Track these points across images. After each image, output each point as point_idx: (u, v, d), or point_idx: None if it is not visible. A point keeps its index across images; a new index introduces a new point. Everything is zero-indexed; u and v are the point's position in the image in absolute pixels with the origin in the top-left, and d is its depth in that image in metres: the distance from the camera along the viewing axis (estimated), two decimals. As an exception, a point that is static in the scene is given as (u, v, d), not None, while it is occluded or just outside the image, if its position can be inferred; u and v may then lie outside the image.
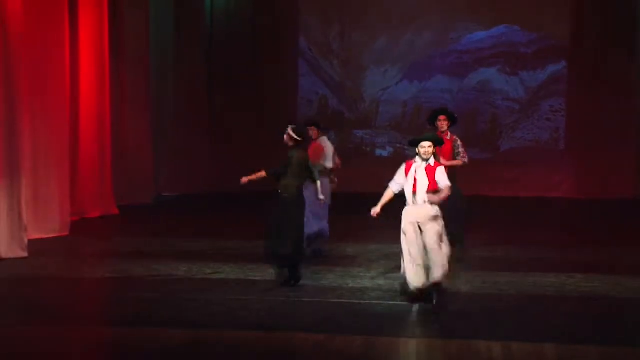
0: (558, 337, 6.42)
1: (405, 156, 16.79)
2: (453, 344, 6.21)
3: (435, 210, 7.15)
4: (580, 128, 16.65)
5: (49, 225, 10.75)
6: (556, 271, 8.92)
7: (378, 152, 17.39)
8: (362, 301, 7.47)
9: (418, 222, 7.13)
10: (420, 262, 7.08)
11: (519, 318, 7.03)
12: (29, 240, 9.59)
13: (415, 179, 7.14)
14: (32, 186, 10.26)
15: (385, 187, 7.38)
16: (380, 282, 8.28)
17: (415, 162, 7.25)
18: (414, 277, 7.09)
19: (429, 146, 7.18)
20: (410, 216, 7.17)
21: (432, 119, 9.64)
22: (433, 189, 7.13)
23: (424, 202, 7.13)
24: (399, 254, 9.78)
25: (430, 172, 7.16)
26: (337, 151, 10.18)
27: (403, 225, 7.20)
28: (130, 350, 6.16)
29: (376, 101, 17.34)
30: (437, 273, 7.04)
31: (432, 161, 7.21)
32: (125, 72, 14.11)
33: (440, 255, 7.07)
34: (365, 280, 8.37)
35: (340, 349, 6.14)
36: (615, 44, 16.42)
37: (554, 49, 16.81)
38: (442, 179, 7.16)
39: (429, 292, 7.17)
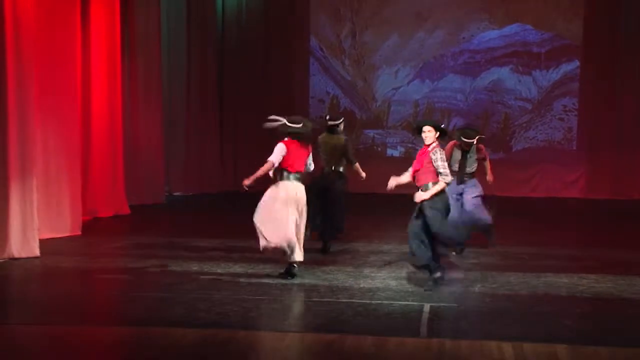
0: (570, 337, 6.39)
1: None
2: (464, 344, 6.19)
3: None
4: (594, 128, 16.58)
5: (61, 225, 10.77)
6: (569, 271, 8.88)
7: (389, 152, 17.35)
8: (373, 301, 7.46)
9: None
10: None
11: (530, 318, 6.99)
12: (41, 240, 9.62)
13: None
14: (44, 186, 10.29)
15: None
16: (392, 282, 8.26)
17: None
18: None
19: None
20: None
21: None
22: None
23: None
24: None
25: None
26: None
27: None
28: (141, 349, 6.17)
29: (387, 101, 17.32)
30: None
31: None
32: (136, 71, 14.14)
33: None
34: (377, 280, 8.35)
35: (351, 349, 6.12)
36: (628, 43, 16.34)
37: (567, 48, 16.74)
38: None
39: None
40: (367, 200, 14.21)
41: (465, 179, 9.76)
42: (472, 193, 9.75)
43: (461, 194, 9.72)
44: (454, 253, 9.52)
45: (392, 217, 13.00)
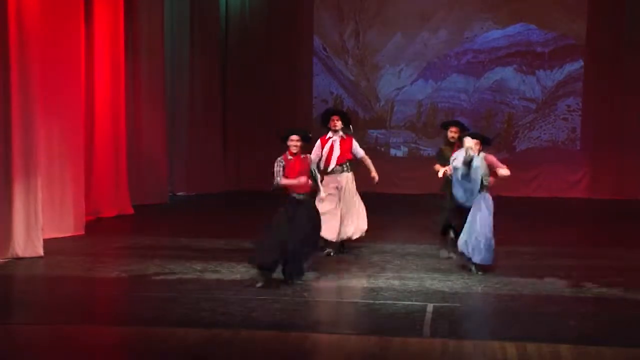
0: (573, 338, 6.38)
1: (420, 156, 16.88)
2: (467, 344, 6.19)
3: None
4: (597, 128, 16.55)
5: (64, 224, 10.79)
6: (572, 271, 8.86)
7: (393, 152, 17.34)
8: (376, 301, 7.45)
9: None
10: None
11: (534, 318, 6.99)
12: (45, 240, 9.63)
13: None
14: (47, 186, 10.30)
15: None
16: (395, 282, 8.26)
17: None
18: None
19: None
20: None
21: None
22: None
23: None
24: (413, 254, 9.82)
25: None
26: None
27: None
28: (145, 349, 6.17)
29: (391, 101, 17.31)
30: None
31: None
32: (140, 71, 14.15)
33: None
34: (380, 280, 8.35)
35: (355, 348, 6.13)
36: (632, 43, 16.30)
37: (570, 48, 16.72)
38: None
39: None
40: (370, 200, 14.20)
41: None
42: (484, 211, 8.71)
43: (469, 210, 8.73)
44: (472, 269, 8.87)
45: (394, 218, 13.01)
